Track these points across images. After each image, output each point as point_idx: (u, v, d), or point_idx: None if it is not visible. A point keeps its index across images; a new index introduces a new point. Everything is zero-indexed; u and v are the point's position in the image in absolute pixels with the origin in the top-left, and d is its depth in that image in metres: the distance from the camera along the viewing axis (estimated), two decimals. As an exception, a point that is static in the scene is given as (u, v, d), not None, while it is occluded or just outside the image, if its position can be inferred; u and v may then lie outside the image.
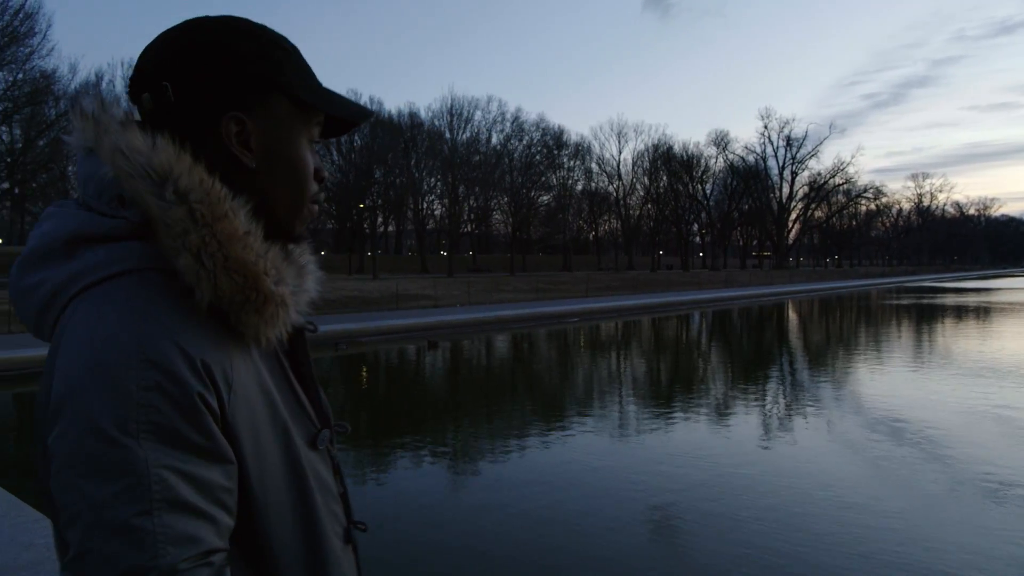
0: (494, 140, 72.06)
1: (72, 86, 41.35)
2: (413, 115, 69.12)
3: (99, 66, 49.75)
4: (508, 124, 72.27)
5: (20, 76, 36.77)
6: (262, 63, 0.82)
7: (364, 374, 16.67)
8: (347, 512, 0.96)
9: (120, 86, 46.60)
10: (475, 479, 8.01)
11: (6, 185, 39.66)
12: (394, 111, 73.12)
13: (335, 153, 67.43)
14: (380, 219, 71.28)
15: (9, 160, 37.72)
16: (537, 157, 72.97)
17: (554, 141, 74.39)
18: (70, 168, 43.71)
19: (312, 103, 0.86)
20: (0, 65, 35.72)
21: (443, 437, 10.09)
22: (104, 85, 45.49)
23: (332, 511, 0.90)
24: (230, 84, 0.80)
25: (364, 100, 72.70)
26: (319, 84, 0.89)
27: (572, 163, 77.29)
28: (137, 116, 0.83)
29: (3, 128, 37.95)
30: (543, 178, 73.27)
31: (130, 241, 0.76)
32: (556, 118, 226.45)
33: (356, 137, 66.36)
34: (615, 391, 13.93)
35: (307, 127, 0.88)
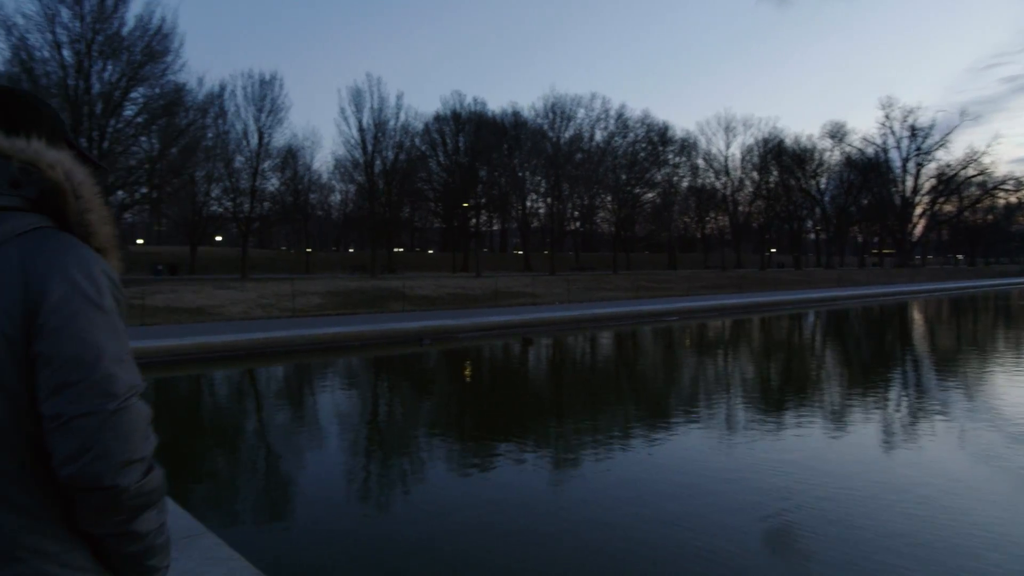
0: (597, 137, 71.67)
1: (199, 97, 44.46)
2: (516, 114, 69.78)
3: (222, 78, 53.12)
4: (612, 121, 71.68)
5: (157, 91, 39.86)
6: (59, 118, 1.36)
7: (454, 368, 17.09)
8: None
9: (240, 96, 49.77)
10: (567, 479, 8.11)
11: (144, 190, 43.11)
12: (497, 111, 74.13)
13: (440, 154, 69.14)
14: (484, 218, 72.46)
15: (147, 167, 40.99)
16: (641, 154, 71.91)
17: (659, 137, 73.07)
18: (199, 173, 47.11)
19: (74, 144, 1.35)
20: (140, 81, 38.88)
21: (533, 434, 10.24)
22: (227, 95, 48.67)
23: None
24: (55, 127, 1.32)
25: (467, 101, 74.06)
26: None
27: (678, 159, 75.64)
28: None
29: (142, 138, 41.21)
30: (647, 175, 72.13)
31: (28, 212, 1.17)
32: (661, 114, 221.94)
33: (461, 137, 67.78)
34: (713, 391, 13.65)
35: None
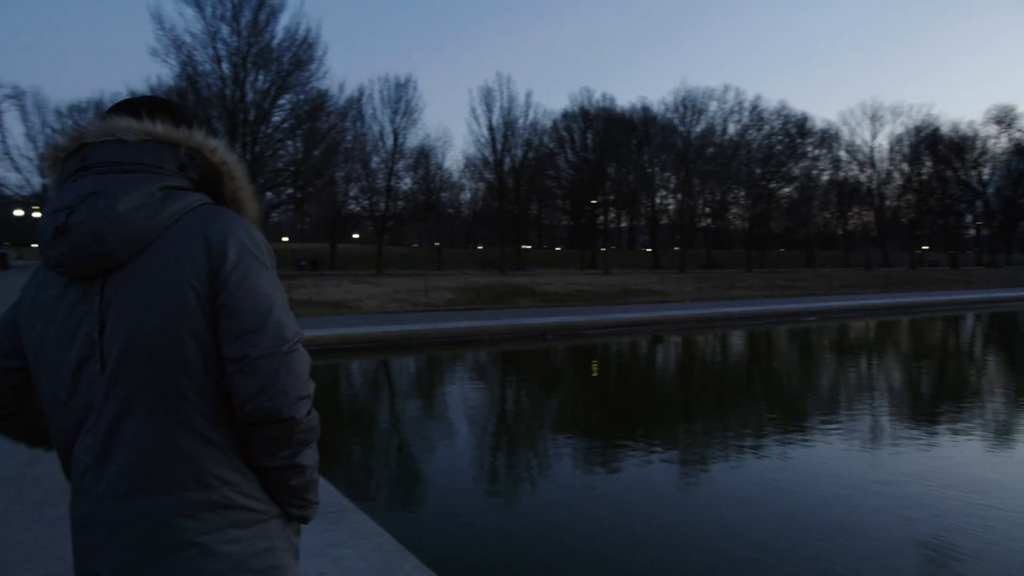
0: (731, 131, 69.07)
1: (340, 102, 46.86)
2: (646, 109, 68.53)
3: (361, 83, 55.62)
4: (746, 113, 68.86)
5: (302, 97, 42.42)
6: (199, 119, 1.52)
7: (582, 365, 17.04)
8: None
9: (377, 99, 51.99)
10: (697, 481, 7.92)
11: (290, 191, 45.99)
12: (626, 106, 73.05)
13: (569, 151, 69.13)
14: (612, 215, 71.78)
15: (292, 169, 43.71)
16: (778, 147, 68.63)
17: (797, 129, 69.44)
18: (339, 174, 49.65)
19: None
20: (287, 89, 41.53)
21: (661, 434, 10.06)
22: (364, 99, 51.01)
23: None
24: (204, 123, 1.47)
25: (596, 97, 73.50)
26: None
27: (817, 152, 71.57)
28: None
29: (288, 142, 44.00)
30: (784, 169, 68.77)
31: (193, 191, 1.33)
32: (799, 104, 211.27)
33: (589, 134, 67.46)
34: (855, 396, 12.85)
35: None
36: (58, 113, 58.33)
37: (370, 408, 11.74)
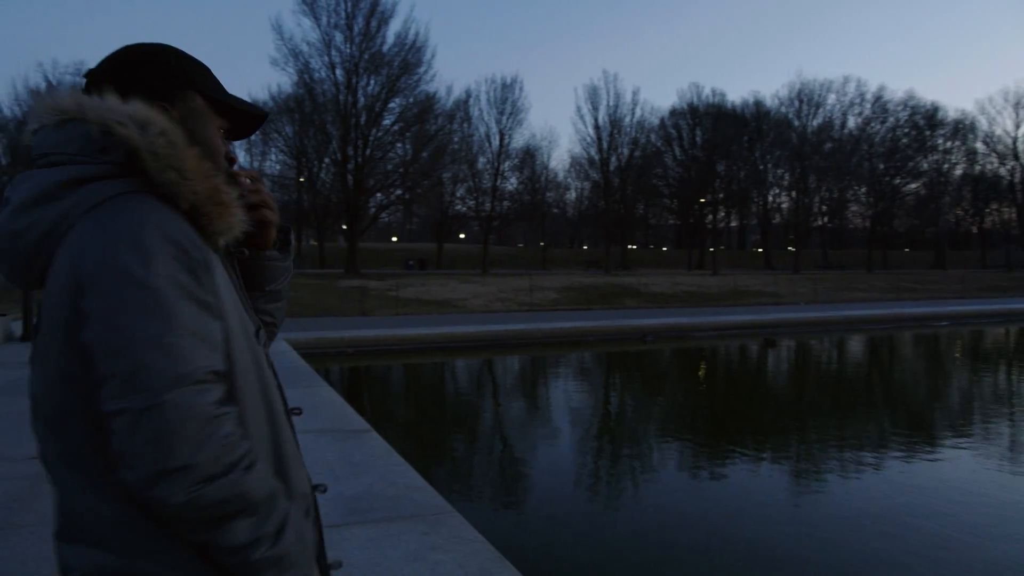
0: (850, 124, 65.44)
1: (447, 104, 47.76)
2: (758, 104, 66.02)
3: (468, 85, 56.45)
4: (868, 105, 65.03)
5: (411, 100, 43.56)
6: (180, 70, 1.16)
7: (690, 367, 16.49)
8: (283, 398, 1.22)
9: (484, 100, 52.69)
10: (808, 491, 7.44)
11: (399, 192, 47.32)
12: (737, 101, 70.61)
13: (676, 148, 67.57)
14: (722, 213, 69.65)
15: (401, 171, 44.95)
16: (903, 140, 64.39)
17: (925, 120, 64.88)
18: (446, 175, 50.63)
19: (216, 97, 1.18)
20: (397, 93, 42.74)
21: (772, 441, 9.54)
22: (471, 101, 51.76)
23: (275, 392, 1.17)
24: (155, 82, 1.13)
25: (706, 93, 71.51)
26: (226, 92, 1.23)
27: (949, 144, 66.62)
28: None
29: (398, 145, 45.27)
30: (911, 163, 64.46)
31: (116, 179, 1.03)
32: (928, 93, 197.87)
33: (698, 131, 65.69)
34: (990, 408, 11.75)
35: (217, 118, 1.20)
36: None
37: (472, 408, 11.77)
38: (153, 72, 1.13)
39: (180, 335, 0.93)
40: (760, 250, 79.39)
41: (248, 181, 1.24)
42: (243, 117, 1.25)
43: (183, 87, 1.15)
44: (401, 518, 3.85)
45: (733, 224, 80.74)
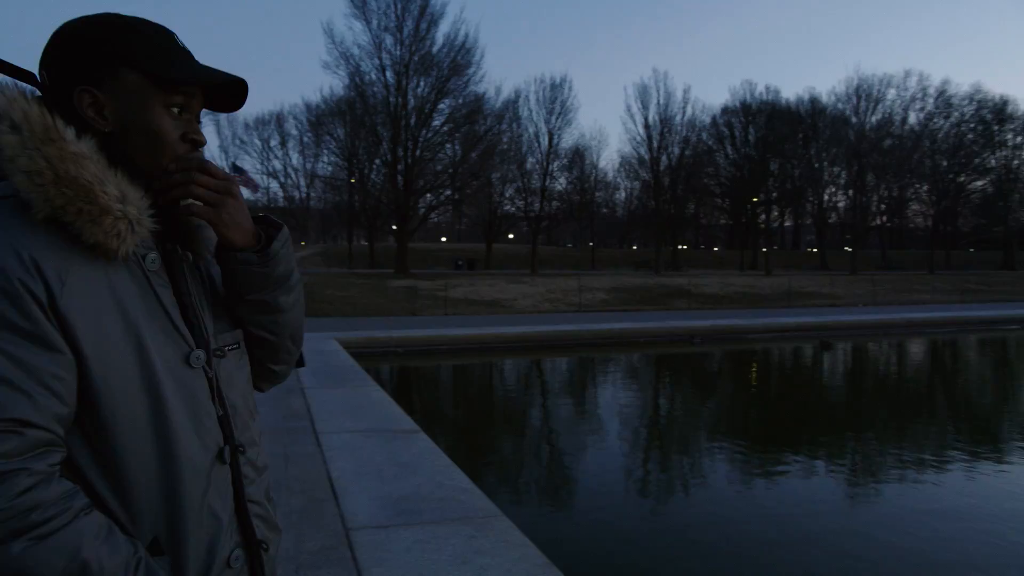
0: (911, 120, 63.27)
1: (496, 105, 47.86)
2: (814, 100, 64.37)
3: (517, 85, 56.47)
4: (930, 100, 62.78)
5: (460, 101, 43.80)
6: (108, 44, 0.97)
7: (743, 370, 16.13)
8: (226, 432, 1.06)
9: (533, 100, 52.65)
10: (864, 497, 7.17)
11: (448, 192, 47.63)
12: (791, 98, 69.09)
13: (728, 147, 66.41)
14: (775, 213, 68.17)
15: (450, 172, 45.24)
16: (969, 136, 61.97)
17: (993, 115, 62.30)
18: (495, 175, 50.78)
19: (153, 71, 0.98)
20: (446, 94, 43.04)
21: (832, 448, 9.23)
22: (520, 101, 51.78)
23: (203, 428, 1.01)
24: (79, 63, 0.97)
25: (759, 90, 70.22)
26: (177, 61, 1.01)
27: (1020, 139, 63.88)
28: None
29: (447, 145, 45.58)
30: (976, 160, 62.02)
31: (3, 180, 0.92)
32: (997, 86, 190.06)
33: (751, 129, 64.42)
34: (1065, 415, 11.17)
35: (165, 95, 1.00)
36: (246, 126, 64.10)
37: (520, 409, 11.72)
38: (76, 51, 0.97)
39: None
40: (815, 250, 77.48)
41: (175, 170, 1.03)
42: (217, 89, 1.08)
43: (112, 64, 0.97)
44: (448, 520, 3.82)
45: (787, 224, 78.90)
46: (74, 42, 0.97)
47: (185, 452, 0.98)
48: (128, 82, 0.98)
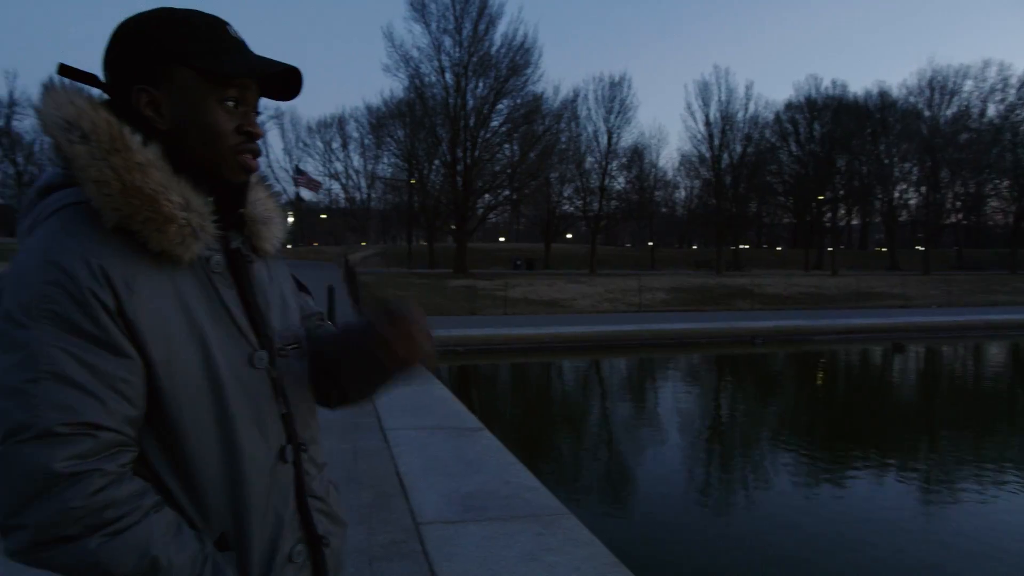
0: (990, 112, 60.40)
1: (555, 104, 47.76)
2: (883, 94, 62.12)
3: (575, 84, 56.30)
4: (1011, 91, 59.63)
5: (518, 101, 43.87)
6: (160, 42, 0.97)
7: (809, 372, 15.69)
8: (289, 431, 1.08)
9: (591, 99, 52.34)
10: (938, 505, 6.91)
11: (507, 192, 47.79)
12: (860, 92, 66.78)
13: (792, 144, 64.74)
14: (842, 211, 66.12)
15: (509, 172, 45.38)
16: (1054, 128, 58.86)
17: (1080, 106, 59.03)
18: (553, 175, 50.72)
19: (208, 68, 0.98)
20: (505, 94, 43.18)
21: (903, 453, 8.92)
22: (579, 100, 51.58)
23: (266, 428, 1.03)
24: (134, 62, 0.98)
25: (825, 85, 68.18)
26: (230, 54, 1.01)
27: (1108, 132, 60.29)
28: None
29: (505, 146, 45.73)
30: (1062, 154, 58.83)
31: (71, 187, 0.95)
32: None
33: (816, 125, 62.65)
34: None
35: (221, 89, 1.00)
36: (309, 129, 65.72)
37: (579, 409, 11.68)
38: (131, 51, 0.98)
39: (36, 380, 0.84)
40: (884, 250, 74.83)
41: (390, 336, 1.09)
42: (272, 78, 1.07)
43: (167, 62, 0.98)
44: (515, 518, 3.84)
45: (854, 222, 76.46)
46: (128, 41, 0.98)
47: (249, 451, 1.00)
48: (182, 78, 0.98)
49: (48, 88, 0.97)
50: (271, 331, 1.09)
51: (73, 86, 0.99)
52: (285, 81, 1.09)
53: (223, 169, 1.03)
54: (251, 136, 1.04)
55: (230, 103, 1.02)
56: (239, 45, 1.03)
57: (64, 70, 0.98)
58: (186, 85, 0.98)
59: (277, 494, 1.05)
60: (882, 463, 8.19)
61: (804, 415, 11.32)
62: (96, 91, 1.01)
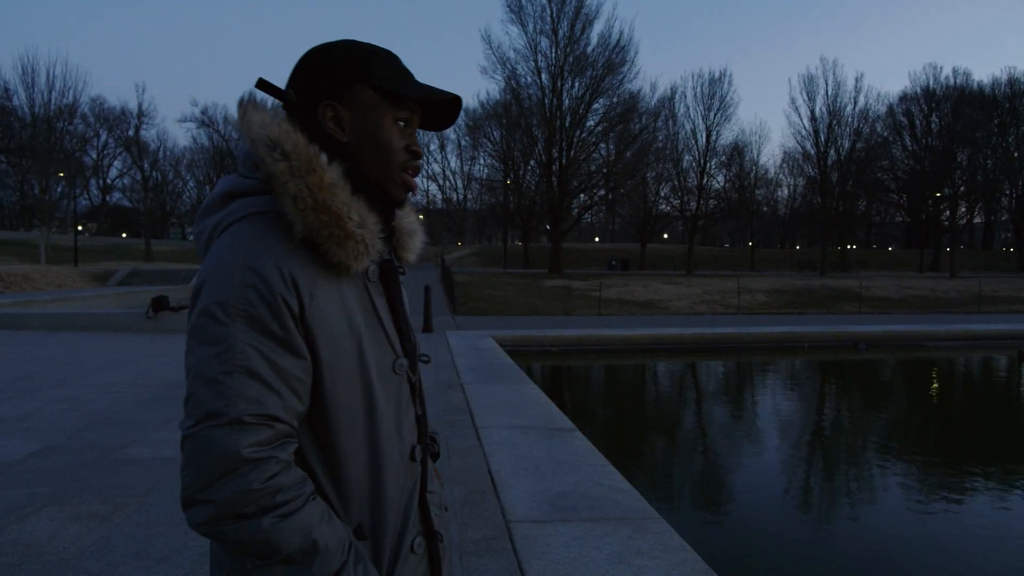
0: None
1: (652, 102, 47.08)
2: (1013, 82, 57.98)
3: (673, 81, 55.20)
4: None
5: (615, 100, 43.54)
6: (348, 65, 1.10)
7: (914, 380, 14.81)
8: (420, 433, 1.20)
9: (690, 96, 51.19)
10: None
11: (602, 192, 47.48)
12: (985, 80, 62.35)
13: (907, 138, 61.20)
14: (962, 209, 61.98)
15: (604, 171, 45.09)
16: None
17: None
18: (649, 174, 49.99)
19: (388, 89, 1.11)
20: (601, 93, 42.94)
21: (1012, 468, 8.31)
22: (677, 97, 50.59)
23: (403, 429, 1.15)
24: (324, 81, 1.10)
25: (945, 74, 64.01)
26: (405, 80, 1.14)
27: None
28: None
29: (601, 145, 45.47)
30: None
31: (259, 195, 1.07)
32: None
33: (934, 117, 58.99)
34: None
35: (395, 110, 1.13)
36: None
37: (673, 412, 11.50)
38: (321, 71, 1.11)
39: (231, 372, 0.95)
40: (1011, 250, 69.57)
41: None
42: (433, 105, 1.20)
43: (351, 82, 1.10)
44: (605, 519, 3.85)
45: (977, 220, 71.51)
46: (320, 63, 1.11)
47: (388, 450, 1.12)
48: (364, 97, 1.11)
49: (250, 105, 1.09)
50: (414, 337, 1.22)
51: (270, 104, 1.12)
52: (446, 110, 1.21)
53: (389, 185, 1.15)
54: (415, 155, 1.17)
55: (401, 123, 1.14)
56: (410, 74, 1.17)
57: (262, 84, 1.09)
58: (367, 103, 1.11)
59: (407, 490, 1.17)
60: (989, 480, 7.66)
61: (909, 425, 10.72)
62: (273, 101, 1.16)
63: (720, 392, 13.21)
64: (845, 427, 10.59)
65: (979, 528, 6.09)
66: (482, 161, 58.15)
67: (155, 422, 6.32)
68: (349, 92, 1.10)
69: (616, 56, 41.93)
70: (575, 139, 42.95)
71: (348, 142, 1.11)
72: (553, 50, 42.02)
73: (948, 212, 58.94)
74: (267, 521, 0.95)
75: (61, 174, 45.88)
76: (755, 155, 66.23)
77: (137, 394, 7.70)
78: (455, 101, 1.18)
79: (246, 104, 1.09)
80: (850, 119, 52.45)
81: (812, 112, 52.23)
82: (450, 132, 64.05)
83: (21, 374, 8.98)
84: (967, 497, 7.02)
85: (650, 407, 11.81)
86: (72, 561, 3.34)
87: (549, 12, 41.45)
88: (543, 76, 42.60)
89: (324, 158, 1.06)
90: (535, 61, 42.50)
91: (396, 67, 1.15)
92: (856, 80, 76.88)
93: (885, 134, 59.85)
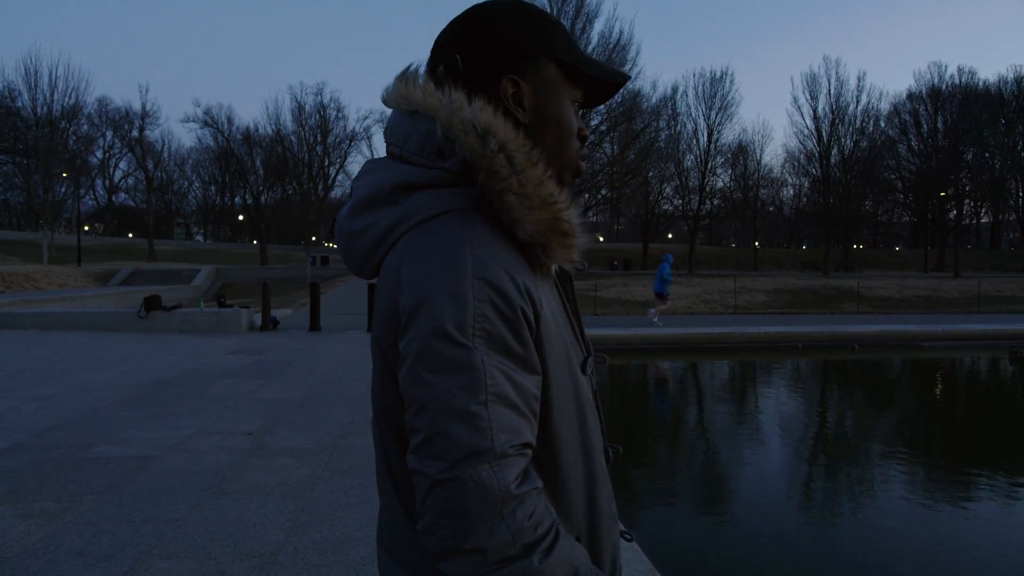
0: None
1: (653, 101, 47.06)
2: (1020, 80, 57.67)
3: (674, 79, 55.18)
4: None
5: (616, 99, 43.50)
6: (533, 33, 0.96)
7: (906, 379, 14.77)
8: (603, 434, 1.09)
9: (691, 96, 51.19)
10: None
11: (605, 191, 47.49)
12: (991, 79, 62.06)
13: (912, 137, 60.95)
14: (968, 208, 61.72)
15: (607, 171, 45.13)
16: None
17: None
18: (652, 173, 49.97)
19: (575, 64, 0.97)
20: (605, 92, 43.00)
21: (1014, 474, 8.28)
22: (678, 96, 50.56)
23: (597, 431, 1.03)
24: (506, 51, 0.95)
25: (950, 72, 63.80)
26: (581, 52, 1.00)
27: None
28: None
29: (604, 144, 45.46)
30: None
31: (450, 188, 0.92)
32: None
33: (939, 116, 58.75)
34: None
35: (571, 89, 0.99)
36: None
37: (666, 412, 11.50)
38: (501, 38, 0.95)
39: (485, 403, 0.81)
40: (1017, 250, 69.21)
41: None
42: (599, 84, 1.04)
43: (535, 54, 0.96)
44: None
45: (983, 220, 71.18)
46: (499, 29, 0.96)
47: (598, 455, 1.02)
48: (548, 73, 0.97)
49: (437, 85, 0.94)
50: (588, 338, 1.09)
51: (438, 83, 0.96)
52: (599, 92, 1.07)
53: (565, 172, 1.02)
54: (584, 140, 1.05)
55: (575, 104, 1.01)
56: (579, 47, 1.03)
57: (437, 48, 0.98)
58: (550, 80, 0.97)
59: (611, 494, 1.08)
60: (988, 483, 7.64)
61: (899, 424, 10.70)
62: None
63: (709, 392, 13.20)
64: (834, 427, 10.58)
65: (979, 528, 6.08)
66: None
67: (128, 420, 6.38)
68: (533, 65, 0.96)
69: (617, 55, 41.93)
70: (578, 139, 43.03)
71: (528, 123, 0.96)
72: (555, 50, 42.11)
73: (954, 211, 58.71)
74: (536, 558, 0.82)
75: (64, 175, 46.20)
76: (758, 154, 66.38)
77: (117, 393, 7.76)
78: (622, 82, 1.05)
79: (410, 77, 0.96)
80: (853, 118, 52.35)
81: (815, 111, 52.17)
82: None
83: (5, 373, 9.07)
84: (963, 496, 7.00)
85: (639, 407, 11.81)
86: (13, 559, 3.38)
87: (550, 10, 41.47)
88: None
89: (533, 148, 0.92)
90: (538, 61, 42.60)
91: (571, 39, 1.01)
92: (859, 79, 76.76)
93: (890, 133, 59.67)
